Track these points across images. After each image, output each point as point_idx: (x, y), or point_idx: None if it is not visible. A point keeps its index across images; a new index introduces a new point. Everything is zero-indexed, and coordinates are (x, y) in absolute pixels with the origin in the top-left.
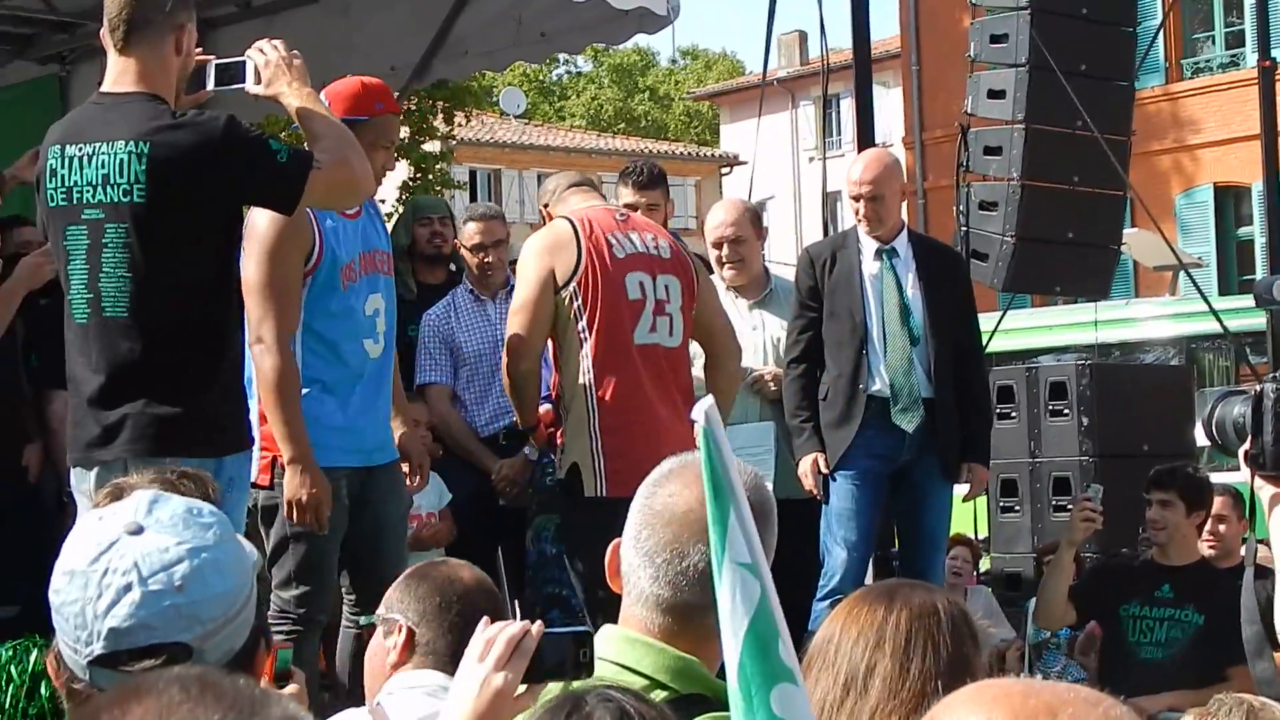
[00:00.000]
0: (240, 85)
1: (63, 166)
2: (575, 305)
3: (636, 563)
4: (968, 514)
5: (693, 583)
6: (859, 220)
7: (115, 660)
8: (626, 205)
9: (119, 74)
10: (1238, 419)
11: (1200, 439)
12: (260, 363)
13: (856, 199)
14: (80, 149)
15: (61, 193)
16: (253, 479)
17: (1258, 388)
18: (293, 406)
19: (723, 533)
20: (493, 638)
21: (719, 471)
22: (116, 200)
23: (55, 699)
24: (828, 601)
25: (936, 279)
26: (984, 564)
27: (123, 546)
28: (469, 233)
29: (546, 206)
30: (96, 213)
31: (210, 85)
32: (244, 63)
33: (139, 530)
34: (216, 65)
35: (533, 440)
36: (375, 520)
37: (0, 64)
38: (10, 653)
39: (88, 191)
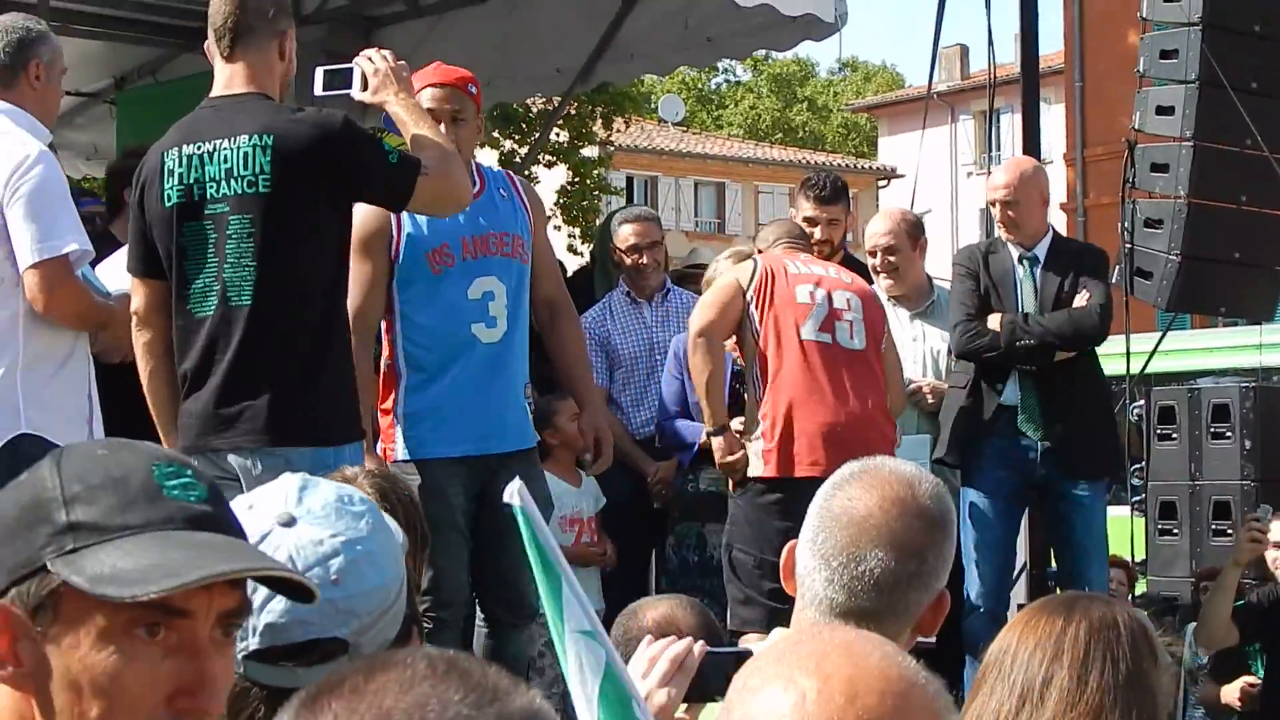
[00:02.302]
0: (347, 91)
1: (180, 165)
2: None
3: (812, 565)
4: (1125, 536)
5: (868, 588)
6: (999, 225)
7: (271, 655)
8: (805, 219)
9: (229, 79)
10: None
11: None
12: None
13: (993, 204)
14: (199, 147)
15: (179, 191)
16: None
17: None
18: (362, 397)
19: (558, 606)
20: (656, 655)
21: (541, 547)
22: (242, 192)
23: None
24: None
25: (1075, 281)
26: (1140, 586)
27: (276, 539)
28: (624, 235)
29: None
30: (222, 206)
31: (319, 89)
32: (352, 69)
33: (292, 521)
34: (325, 70)
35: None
36: (504, 520)
37: (169, 58)
38: None
39: (210, 186)
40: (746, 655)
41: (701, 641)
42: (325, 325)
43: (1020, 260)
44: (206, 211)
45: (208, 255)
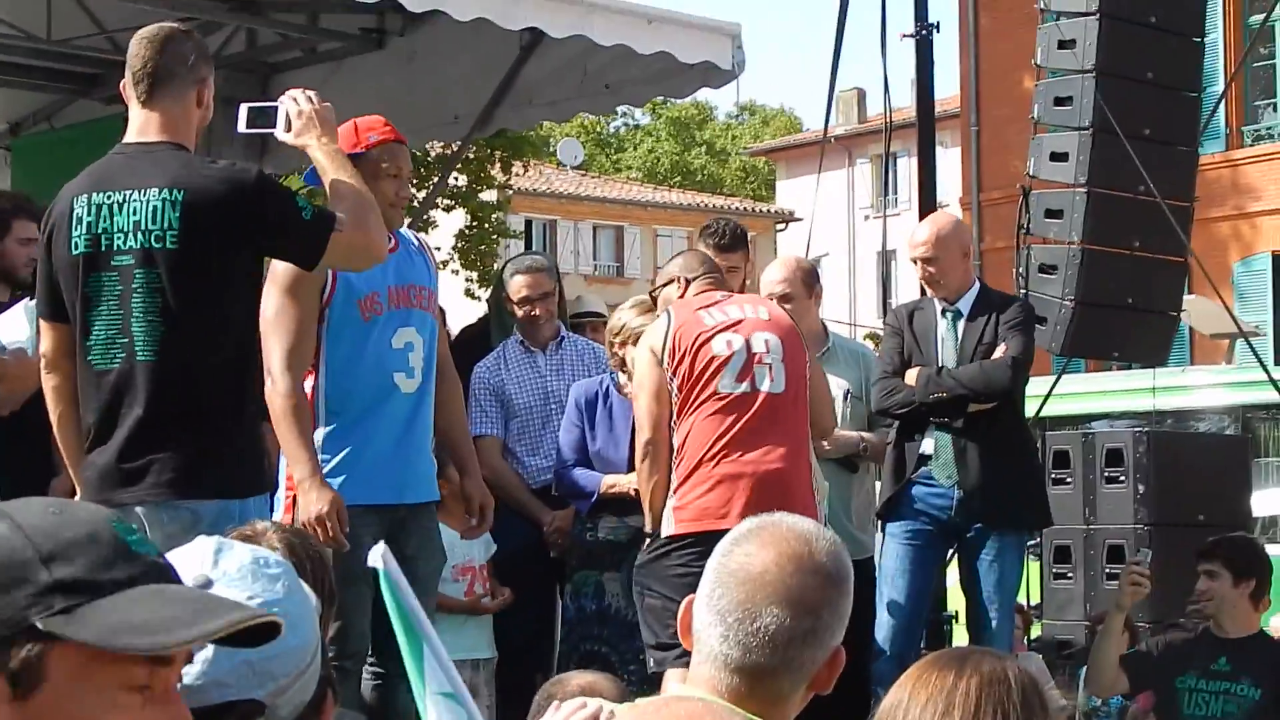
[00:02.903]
0: (270, 130)
1: (89, 214)
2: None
3: (708, 620)
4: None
5: (764, 644)
6: (922, 281)
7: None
8: None
9: (143, 125)
10: None
11: (1257, 509)
12: (268, 391)
13: (914, 261)
14: (109, 196)
15: (86, 239)
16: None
17: None
18: (301, 429)
19: (420, 668)
20: (568, 716)
21: (404, 609)
22: (149, 245)
23: None
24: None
25: (995, 333)
26: (1035, 630)
27: None
28: (515, 285)
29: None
30: (127, 259)
31: (242, 126)
32: (276, 108)
33: (208, 584)
34: (250, 107)
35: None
36: (406, 573)
37: (64, 104)
38: None
39: (119, 238)
40: None
41: (612, 708)
42: (234, 379)
43: (944, 314)
44: (113, 263)
45: (112, 307)
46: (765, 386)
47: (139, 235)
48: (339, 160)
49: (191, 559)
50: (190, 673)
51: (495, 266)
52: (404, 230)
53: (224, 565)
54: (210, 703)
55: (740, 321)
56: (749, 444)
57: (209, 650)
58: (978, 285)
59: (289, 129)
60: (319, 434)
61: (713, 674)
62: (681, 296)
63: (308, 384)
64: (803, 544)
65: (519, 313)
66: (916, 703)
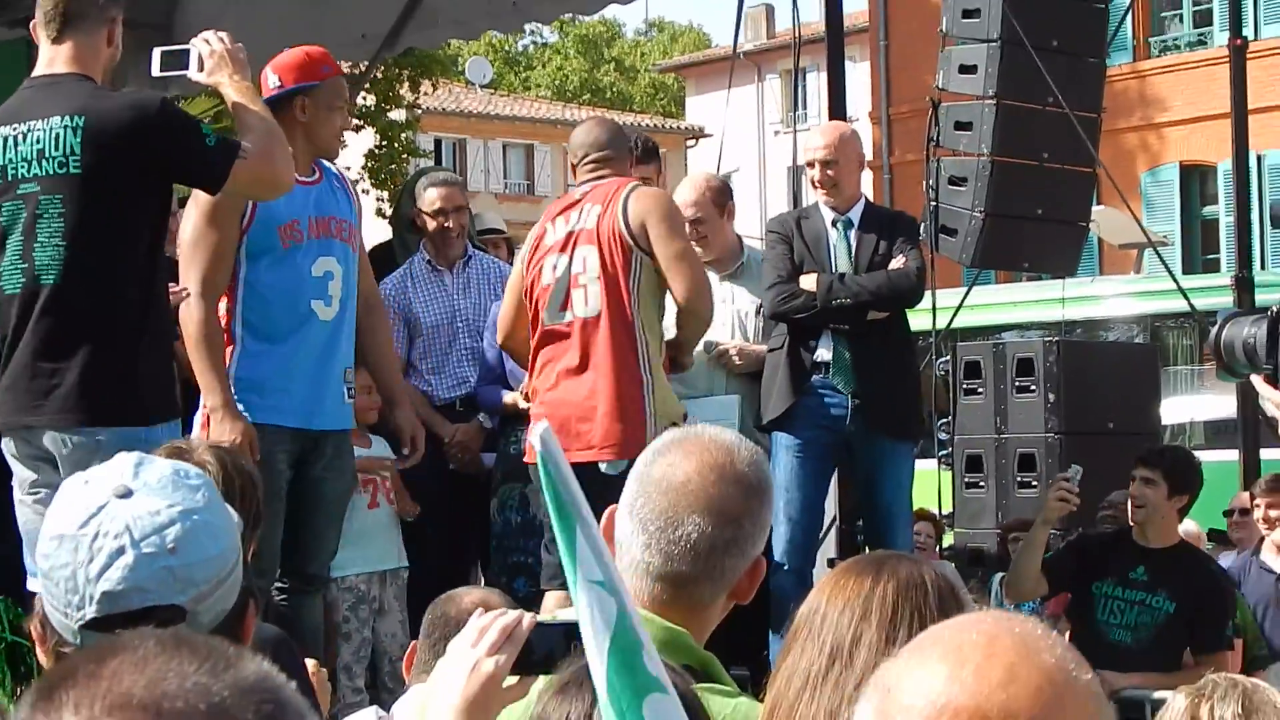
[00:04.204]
0: (184, 71)
1: None
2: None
3: (630, 529)
4: (931, 489)
5: (685, 553)
6: (815, 187)
7: (108, 624)
8: None
9: (50, 59)
10: (1248, 339)
11: (1166, 417)
12: (183, 316)
13: (811, 165)
14: (14, 129)
15: None
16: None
17: (1274, 308)
18: (214, 358)
19: (573, 554)
20: (487, 625)
21: (560, 493)
22: (52, 172)
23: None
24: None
25: (889, 245)
26: (947, 539)
27: (113, 510)
28: (429, 199)
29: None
30: (32, 186)
31: (156, 69)
32: (189, 50)
33: (128, 493)
34: (163, 51)
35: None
36: (311, 491)
37: None
38: None
39: (23, 167)
40: (574, 627)
41: (531, 615)
42: (139, 303)
43: (834, 224)
44: (19, 191)
45: (18, 234)
46: (581, 311)
47: (42, 163)
48: (249, 95)
49: (112, 472)
50: (111, 578)
51: None
52: (327, 164)
53: (144, 476)
54: (131, 608)
55: (572, 235)
56: (556, 379)
57: (129, 556)
58: (864, 198)
59: (201, 69)
60: (234, 354)
61: (635, 582)
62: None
63: (222, 306)
64: (724, 454)
65: (431, 225)
66: (834, 608)
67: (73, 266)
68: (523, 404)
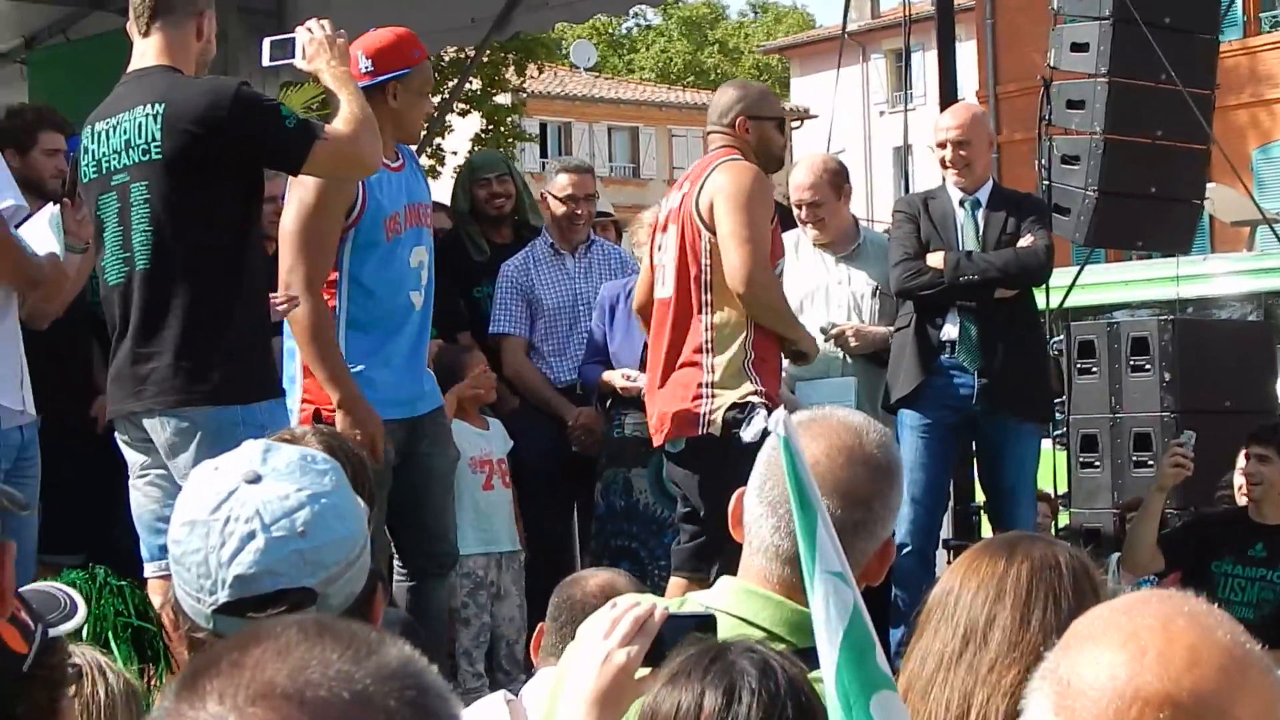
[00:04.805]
0: (290, 60)
1: (93, 143)
2: None
3: (759, 512)
4: (1047, 469)
5: None
6: (947, 168)
7: (241, 608)
8: None
9: (141, 54)
10: None
11: None
12: (295, 313)
13: (943, 145)
14: (107, 123)
15: (93, 167)
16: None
17: None
18: (330, 350)
19: (812, 543)
20: (619, 616)
21: (802, 481)
22: (137, 160)
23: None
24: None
25: (1017, 225)
26: (1062, 519)
27: (243, 495)
28: (561, 184)
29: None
30: (123, 176)
31: (266, 60)
32: (294, 39)
33: (257, 479)
34: (271, 41)
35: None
36: (421, 471)
37: (79, 16)
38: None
39: (114, 159)
40: (709, 619)
41: (664, 606)
42: (229, 285)
43: (961, 204)
44: (113, 183)
45: (117, 225)
46: (661, 292)
47: (130, 152)
48: (346, 81)
49: (240, 458)
50: (243, 562)
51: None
52: (406, 146)
53: (273, 463)
54: (263, 591)
55: (669, 214)
56: (652, 356)
57: (260, 539)
58: (993, 179)
59: (305, 57)
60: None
61: (764, 564)
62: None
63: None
64: (853, 436)
65: (560, 210)
66: (968, 590)
67: (160, 251)
68: (618, 382)
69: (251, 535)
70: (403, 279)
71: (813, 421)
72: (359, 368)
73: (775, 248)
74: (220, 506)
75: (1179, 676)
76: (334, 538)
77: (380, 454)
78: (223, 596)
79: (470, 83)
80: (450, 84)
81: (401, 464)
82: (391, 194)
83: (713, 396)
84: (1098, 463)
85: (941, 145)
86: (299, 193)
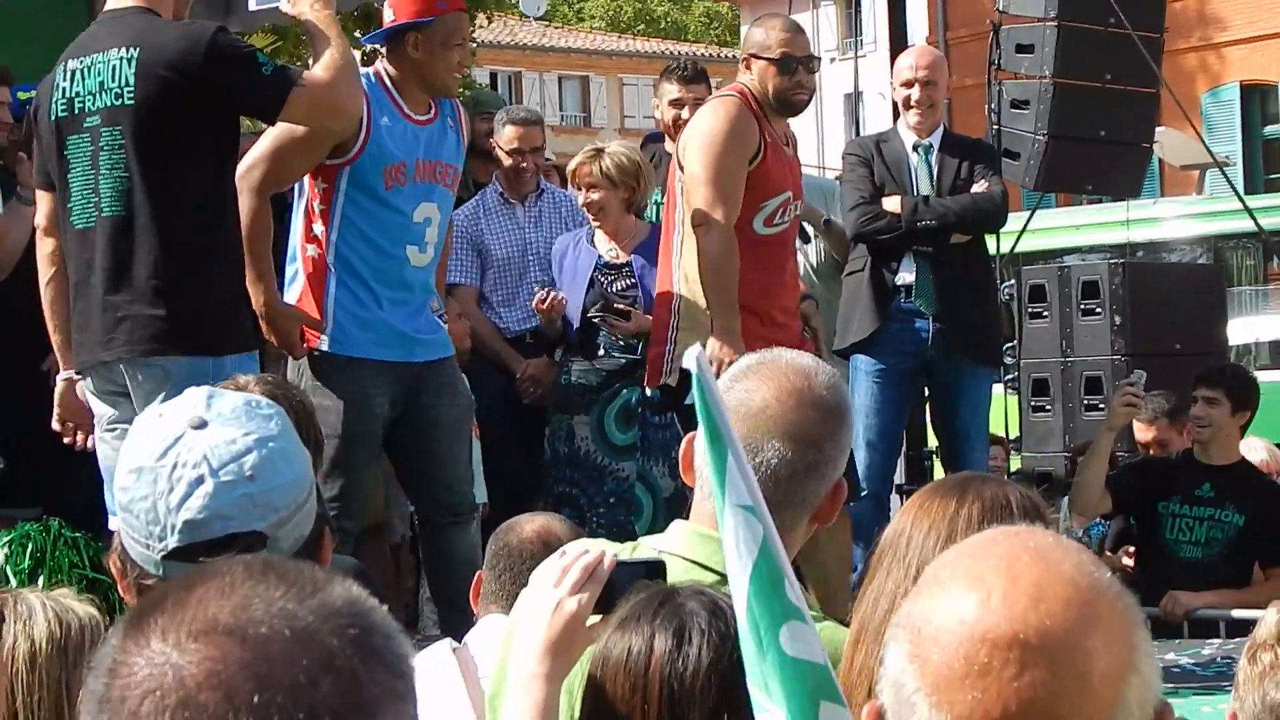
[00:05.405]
0: (275, 5)
1: (65, 80)
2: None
3: (743, 449)
4: (999, 413)
5: (766, 478)
6: (910, 108)
7: (191, 553)
8: (672, 102)
9: None
10: None
11: (1232, 337)
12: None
13: (910, 85)
14: (80, 62)
15: (63, 105)
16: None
17: None
18: (263, 252)
19: (722, 477)
20: (569, 564)
21: (713, 416)
22: (111, 104)
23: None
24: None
25: (970, 170)
26: (1014, 463)
27: (189, 440)
28: (507, 136)
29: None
30: (95, 119)
31: (253, 4)
32: None
33: (203, 424)
34: None
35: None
36: (426, 420)
37: None
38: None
39: (87, 100)
40: (659, 564)
41: (614, 553)
42: (204, 234)
43: (915, 148)
44: (85, 125)
45: (85, 168)
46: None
47: (103, 95)
48: (327, 24)
49: (184, 405)
50: (192, 507)
51: None
52: (450, 101)
53: (217, 408)
54: (213, 535)
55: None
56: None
57: (208, 484)
58: (943, 125)
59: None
60: (330, 288)
61: (714, 508)
62: None
63: (319, 233)
64: (802, 378)
65: (507, 162)
66: (919, 531)
67: (133, 198)
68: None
69: (200, 480)
70: (400, 232)
71: (761, 364)
72: (351, 308)
73: (769, 185)
74: (167, 453)
75: (1025, 615)
76: (282, 481)
77: (297, 350)
78: (172, 542)
79: None
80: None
81: (405, 414)
82: (404, 144)
83: (675, 342)
84: (1049, 406)
85: (908, 85)
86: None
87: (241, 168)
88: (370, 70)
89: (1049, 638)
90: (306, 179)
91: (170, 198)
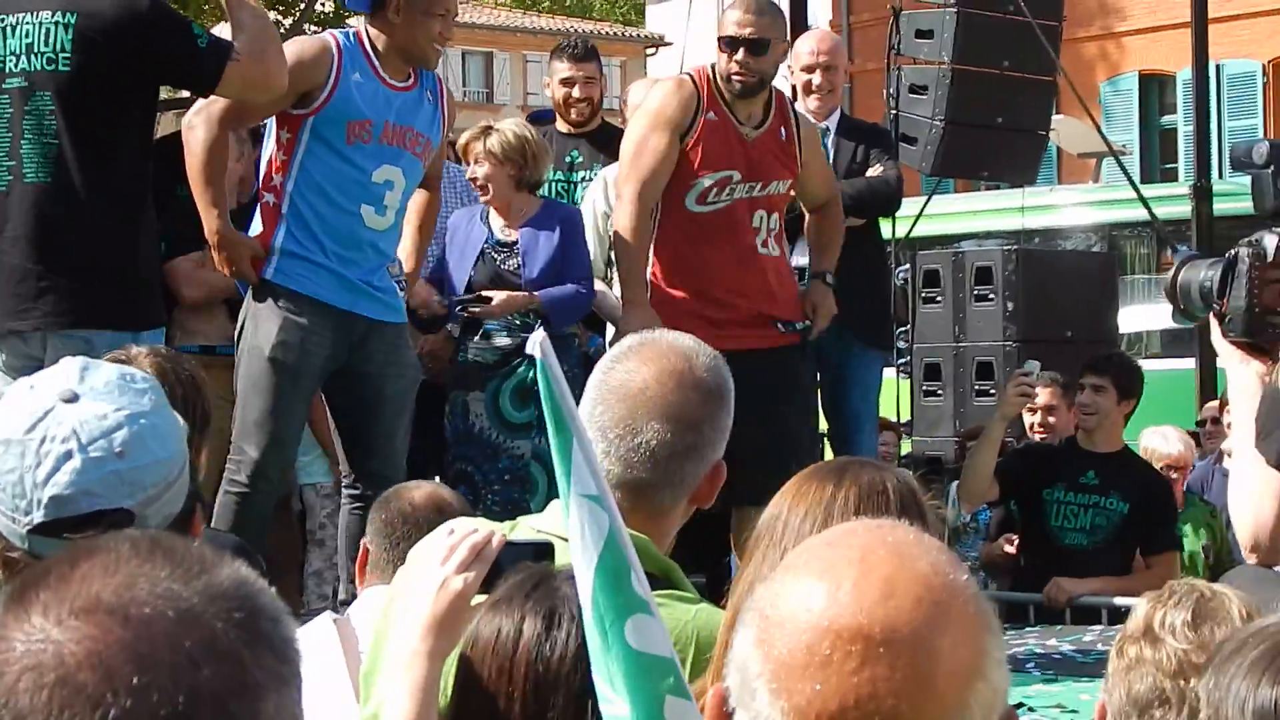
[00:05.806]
0: None
1: None
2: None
3: (591, 437)
4: (890, 397)
5: (645, 459)
6: (810, 94)
7: (57, 528)
8: (562, 80)
9: None
10: (1205, 282)
11: (1123, 326)
12: (188, 138)
13: (811, 70)
14: (4, 20)
15: None
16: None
17: (1231, 252)
18: (217, 181)
19: (568, 466)
20: (456, 542)
21: (557, 403)
22: (41, 68)
23: None
24: None
25: (866, 154)
26: (905, 447)
27: (60, 414)
28: None
29: None
30: (20, 80)
31: None
32: None
33: (74, 398)
34: None
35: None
36: (368, 391)
37: None
38: None
39: (11, 60)
40: (547, 546)
41: (501, 533)
42: (127, 207)
43: None
44: (5, 85)
45: (5, 130)
46: None
47: (31, 57)
48: None
49: (57, 376)
50: (59, 483)
51: None
52: (433, 75)
53: (90, 381)
54: (80, 512)
55: None
56: None
57: (76, 460)
58: (841, 108)
59: None
60: (280, 229)
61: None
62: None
63: (276, 188)
64: (682, 360)
65: None
66: (796, 515)
67: (63, 165)
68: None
69: (68, 455)
70: (356, 189)
71: (642, 345)
72: (297, 248)
73: (703, 162)
74: (36, 426)
75: (872, 609)
76: (152, 459)
77: (249, 274)
78: (38, 517)
79: (322, 4)
80: (301, 6)
81: (350, 382)
82: (375, 104)
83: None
84: (940, 391)
85: (809, 70)
86: None
87: (202, 100)
88: (351, 30)
89: (894, 634)
90: (272, 129)
91: (101, 167)
